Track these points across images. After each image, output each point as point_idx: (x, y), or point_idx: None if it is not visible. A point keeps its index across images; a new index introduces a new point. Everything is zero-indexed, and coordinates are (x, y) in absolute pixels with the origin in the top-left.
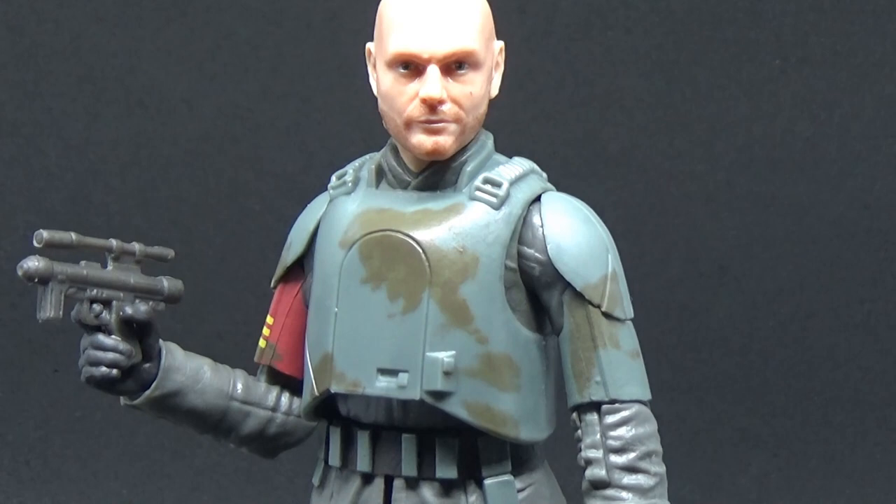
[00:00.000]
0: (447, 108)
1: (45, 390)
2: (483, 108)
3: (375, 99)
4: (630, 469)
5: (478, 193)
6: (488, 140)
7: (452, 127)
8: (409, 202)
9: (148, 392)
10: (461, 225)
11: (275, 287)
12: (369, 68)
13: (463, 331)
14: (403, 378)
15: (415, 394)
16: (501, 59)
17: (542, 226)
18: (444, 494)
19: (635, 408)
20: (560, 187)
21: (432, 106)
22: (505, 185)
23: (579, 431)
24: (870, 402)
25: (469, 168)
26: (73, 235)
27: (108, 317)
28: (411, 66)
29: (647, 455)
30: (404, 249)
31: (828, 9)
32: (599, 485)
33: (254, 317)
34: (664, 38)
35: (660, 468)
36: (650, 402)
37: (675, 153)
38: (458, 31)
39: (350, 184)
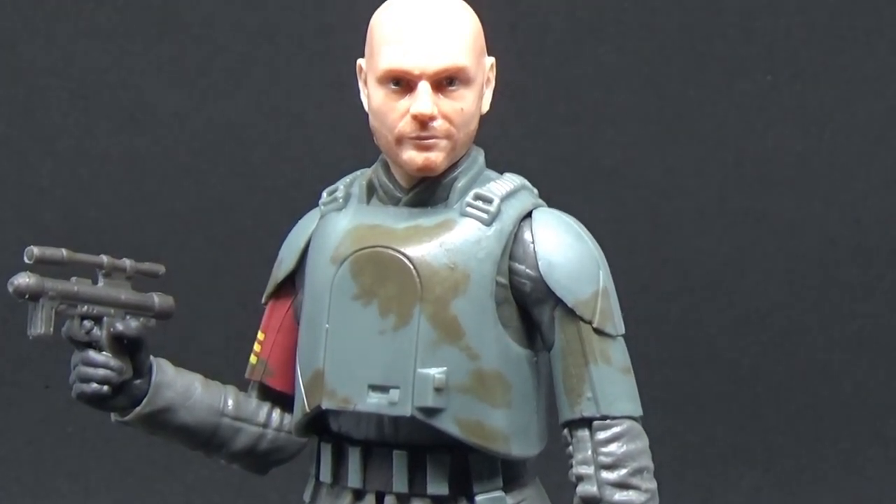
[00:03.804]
0: (438, 125)
1: (36, 406)
2: (474, 124)
3: (366, 115)
4: (621, 485)
5: (469, 209)
6: (479, 156)
7: (443, 143)
8: (401, 218)
9: (138, 408)
10: (452, 241)
11: (266, 303)
12: (360, 84)
13: (454, 347)
14: (394, 394)
15: (406, 410)
16: (493, 75)
17: (533, 242)
18: None
19: (626, 424)
20: (551, 203)
21: (423, 122)
22: (496, 201)
23: (570, 447)
24: (862, 418)
25: (460, 184)
26: (64, 252)
27: (99, 333)
28: (402, 83)
29: (638, 471)
30: (395, 266)
31: (819, 25)
32: (591, 501)
33: (245, 333)
34: (655, 53)
35: (651, 484)
36: (642, 418)
37: (666, 169)
38: (448, 47)
39: (341, 200)
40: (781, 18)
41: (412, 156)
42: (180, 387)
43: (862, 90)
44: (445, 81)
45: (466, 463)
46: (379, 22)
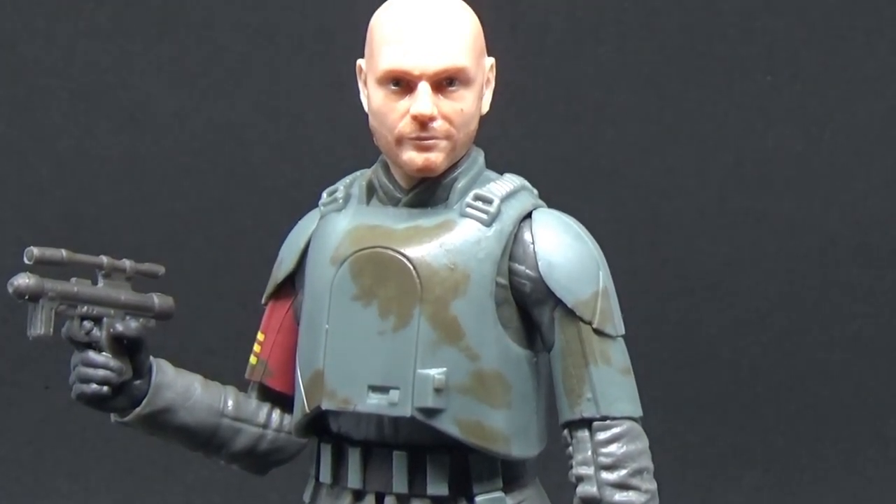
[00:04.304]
0: (438, 125)
1: (36, 406)
2: (474, 125)
3: (366, 115)
4: (621, 486)
5: (469, 210)
6: (479, 156)
7: (443, 144)
8: (400, 219)
9: (138, 409)
10: (452, 242)
11: (266, 303)
12: (360, 85)
13: (454, 348)
14: (394, 395)
15: (406, 411)
16: (492, 76)
17: (532, 242)
18: None
19: (626, 424)
20: (551, 203)
21: (423, 123)
22: (496, 202)
23: (570, 448)
24: (862, 418)
25: (460, 184)
26: (64, 252)
27: (99, 334)
28: (402, 83)
29: (638, 472)
30: (395, 266)
31: (819, 25)
32: (590, 502)
33: (245, 333)
34: (655, 54)
35: (651, 485)
36: (641, 419)
37: (666, 169)
38: (448, 47)
39: (341, 200)
40: (781, 18)
41: (412, 156)
42: (180, 387)
43: (862, 90)
44: (445, 82)
45: (466, 463)
46: (379, 22)
